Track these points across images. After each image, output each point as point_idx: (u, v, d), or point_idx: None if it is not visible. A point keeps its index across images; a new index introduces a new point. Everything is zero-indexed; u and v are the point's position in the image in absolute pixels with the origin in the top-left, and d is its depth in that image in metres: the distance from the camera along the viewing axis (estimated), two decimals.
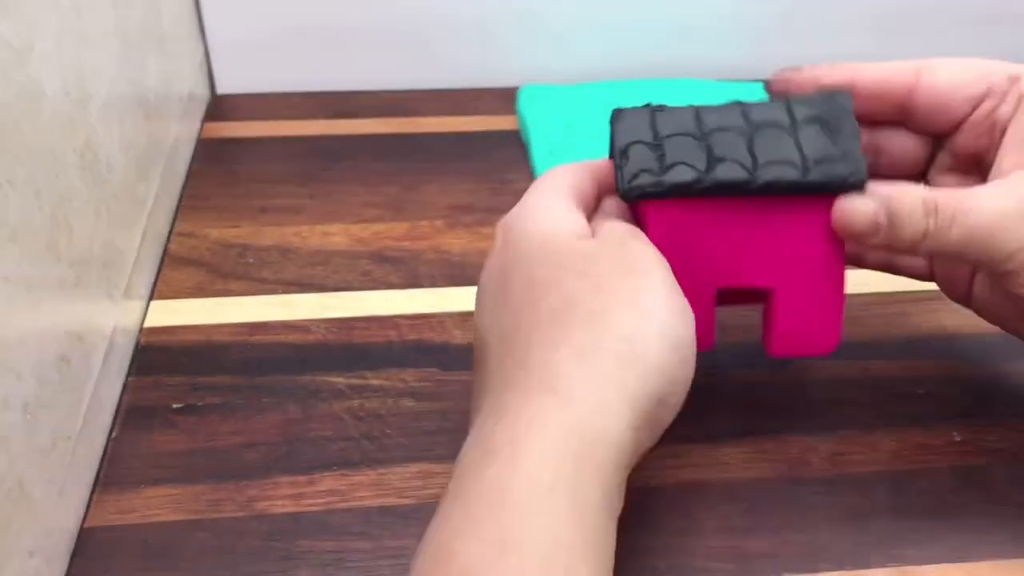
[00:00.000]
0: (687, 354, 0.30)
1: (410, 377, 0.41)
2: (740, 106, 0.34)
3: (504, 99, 0.61)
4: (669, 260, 0.32)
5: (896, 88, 0.36)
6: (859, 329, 0.43)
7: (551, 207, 0.33)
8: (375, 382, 0.40)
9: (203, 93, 0.60)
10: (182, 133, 0.53)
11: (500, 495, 0.26)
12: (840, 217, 0.33)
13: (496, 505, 0.26)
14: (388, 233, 0.49)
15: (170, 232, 0.49)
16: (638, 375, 0.28)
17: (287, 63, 0.61)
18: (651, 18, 0.62)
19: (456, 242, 0.49)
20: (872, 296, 0.45)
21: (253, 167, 0.54)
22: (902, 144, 0.37)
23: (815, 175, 0.32)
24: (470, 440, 0.29)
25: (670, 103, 0.35)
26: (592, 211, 0.35)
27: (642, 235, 0.33)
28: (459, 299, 0.45)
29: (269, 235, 0.49)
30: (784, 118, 0.34)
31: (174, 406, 0.39)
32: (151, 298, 0.45)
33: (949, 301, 0.39)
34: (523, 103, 0.59)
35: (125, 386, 0.40)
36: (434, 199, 0.52)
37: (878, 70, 0.36)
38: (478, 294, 0.34)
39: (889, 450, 0.38)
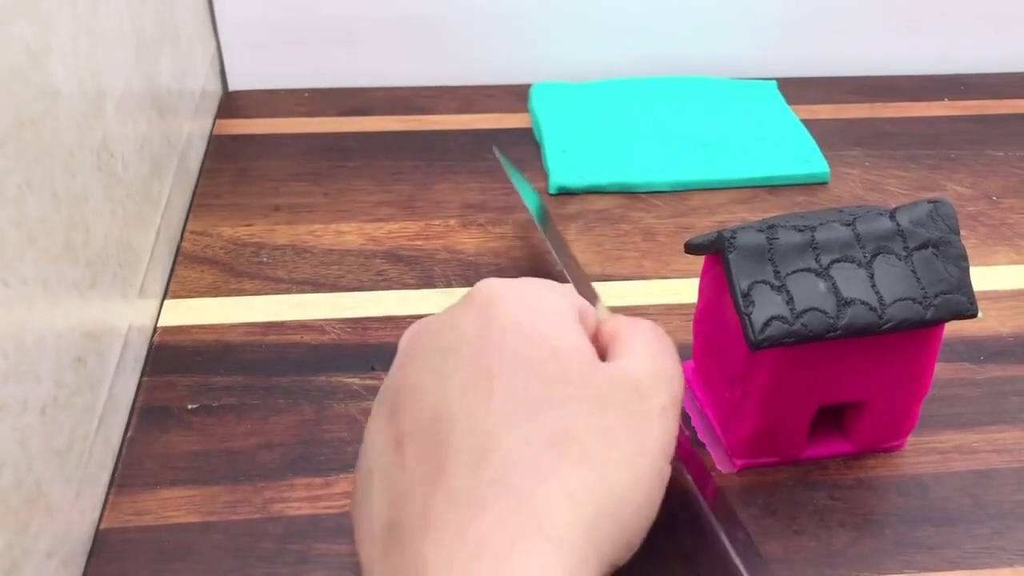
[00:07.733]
0: (651, 519, 0.28)
1: None
2: (841, 214, 0.34)
3: (516, 96, 0.61)
4: (775, 386, 0.33)
5: None
6: None
7: (566, 321, 0.30)
8: None
9: (215, 90, 0.60)
10: (195, 130, 0.53)
11: None
12: None
13: None
14: (401, 232, 0.49)
15: (183, 231, 0.49)
16: (613, 538, 0.27)
17: (299, 59, 0.61)
18: (663, 16, 0.62)
19: (469, 241, 0.49)
20: None
21: (266, 164, 0.54)
22: None
23: (936, 313, 0.32)
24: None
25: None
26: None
27: (656, 386, 0.30)
28: None
29: (283, 234, 0.49)
30: (890, 226, 0.33)
31: (189, 406, 0.39)
32: (165, 297, 0.45)
33: None
34: (535, 101, 0.59)
35: (139, 386, 0.40)
36: (447, 198, 0.52)
37: None
38: (422, 345, 0.30)
39: (904, 454, 0.38)
